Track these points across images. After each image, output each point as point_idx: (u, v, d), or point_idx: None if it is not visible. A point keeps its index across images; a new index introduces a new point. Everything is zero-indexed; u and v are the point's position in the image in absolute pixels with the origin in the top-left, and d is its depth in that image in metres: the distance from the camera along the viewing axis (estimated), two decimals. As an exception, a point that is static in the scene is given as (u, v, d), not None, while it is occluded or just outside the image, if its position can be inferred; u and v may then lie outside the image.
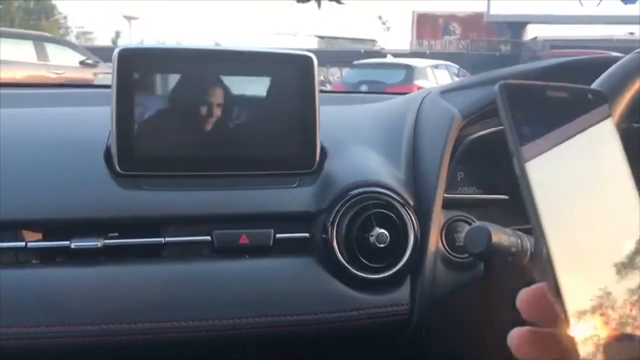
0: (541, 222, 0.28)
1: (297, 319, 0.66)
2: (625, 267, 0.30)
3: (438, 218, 0.72)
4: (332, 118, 0.88)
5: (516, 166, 0.30)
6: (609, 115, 0.33)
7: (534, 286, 0.30)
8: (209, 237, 0.67)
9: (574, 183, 0.30)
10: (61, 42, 8.32)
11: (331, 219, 0.68)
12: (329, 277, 0.68)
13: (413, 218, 0.71)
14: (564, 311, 0.27)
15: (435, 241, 0.71)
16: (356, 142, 0.82)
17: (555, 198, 0.29)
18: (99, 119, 0.73)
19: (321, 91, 0.77)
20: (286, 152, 0.75)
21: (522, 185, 0.29)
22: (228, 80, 0.73)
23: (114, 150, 0.69)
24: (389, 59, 9.80)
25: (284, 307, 0.67)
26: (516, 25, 14.04)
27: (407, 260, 0.69)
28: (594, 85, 0.56)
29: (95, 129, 0.74)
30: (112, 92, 0.68)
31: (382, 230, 0.68)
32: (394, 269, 0.69)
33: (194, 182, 0.70)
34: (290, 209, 0.70)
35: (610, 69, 0.59)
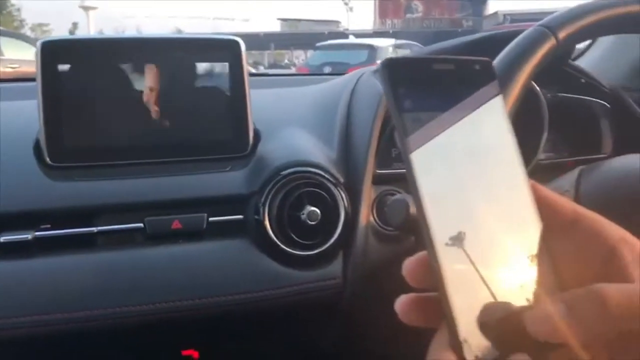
0: (423, 205, 0.29)
1: (232, 298, 0.68)
2: (507, 246, 0.30)
3: (368, 193, 0.74)
4: (268, 101, 0.89)
5: (402, 154, 0.30)
6: (498, 93, 0.33)
7: (417, 255, 0.31)
8: (141, 224, 0.68)
9: (461, 168, 0.30)
10: (15, 35, 8.09)
11: (262, 199, 0.70)
12: (263, 257, 0.70)
13: (343, 195, 0.73)
14: (444, 292, 0.28)
15: (366, 216, 0.74)
16: (291, 124, 0.83)
17: (439, 183, 0.29)
18: (29, 112, 0.73)
19: (264, 75, 0.78)
20: (218, 136, 0.76)
21: (407, 172, 0.29)
22: (155, 68, 0.73)
23: (42, 143, 0.69)
24: (352, 39, 9.79)
25: (218, 289, 0.68)
26: (477, 1, 14.12)
27: (339, 236, 0.71)
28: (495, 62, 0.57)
29: (25, 122, 0.74)
30: (37, 85, 0.68)
31: (313, 208, 0.70)
32: (326, 245, 0.71)
33: (125, 170, 0.71)
34: (223, 192, 0.72)
35: (510, 44, 0.60)
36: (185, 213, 0.70)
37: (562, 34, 0.59)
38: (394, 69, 0.31)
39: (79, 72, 0.71)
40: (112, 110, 0.72)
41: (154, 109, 0.73)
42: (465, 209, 0.30)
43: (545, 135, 0.85)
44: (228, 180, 0.73)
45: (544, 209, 0.31)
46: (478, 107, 0.32)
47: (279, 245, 0.69)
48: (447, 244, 0.29)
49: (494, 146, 0.32)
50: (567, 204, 0.32)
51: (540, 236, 0.31)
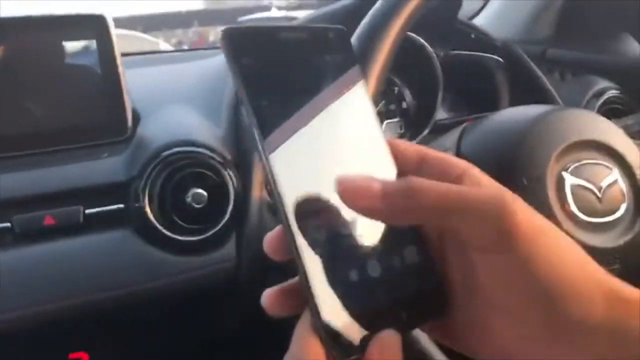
0: (285, 210, 0.27)
1: (118, 294, 0.63)
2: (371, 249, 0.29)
3: (260, 170, 0.71)
4: (149, 80, 0.84)
5: (258, 152, 0.28)
6: (360, 79, 0.32)
7: (276, 229, 0.30)
8: (8, 224, 0.62)
9: (321, 156, 0.29)
10: None
11: (142, 184, 0.65)
12: (148, 247, 0.65)
13: (232, 174, 0.69)
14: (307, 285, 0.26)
15: (258, 194, 0.70)
16: (174, 102, 0.78)
17: (299, 177, 0.28)
18: None
19: (147, 53, 0.72)
20: (93, 121, 0.70)
21: (266, 172, 0.28)
22: (14, 50, 0.67)
23: None
24: (274, 12, 9.64)
25: (102, 285, 0.63)
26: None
27: (230, 217, 0.68)
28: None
29: None
30: None
31: (199, 190, 0.66)
32: (216, 228, 0.67)
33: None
34: (100, 181, 0.66)
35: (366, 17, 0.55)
36: (59, 207, 0.64)
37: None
38: (236, 41, 0.28)
39: None
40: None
41: (17, 96, 0.67)
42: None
43: (440, 95, 0.84)
44: (105, 167, 0.68)
45: (395, 158, 0.31)
46: (339, 97, 0.30)
47: (163, 233, 0.65)
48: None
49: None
50: (411, 147, 0.31)
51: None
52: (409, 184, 0.26)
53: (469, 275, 0.28)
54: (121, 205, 0.66)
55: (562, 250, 0.26)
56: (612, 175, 0.54)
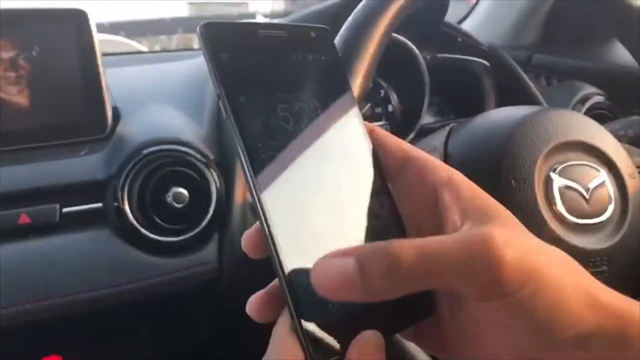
0: (263, 208, 0.26)
1: (94, 295, 0.61)
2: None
3: (243, 170, 0.69)
4: (132, 78, 0.82)
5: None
6: (344, 81, 0.31)
7: (255, 226, 0.28)
8: (-20, 222, 0.60)
9: (303, 163, 0.28)
10: None
11: (121, 183, 0.63)
12: (127, 247, 0.63)
13: (214, 173, 0.67)
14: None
15: (241, 194, 0.69)
16: (157, 101, 0.76)
17: (279, 178, 0.27)
18: None
19: (131, 53, 0.71)
20: (72, 118, 0.68)
21: (243, 170, 0.26)
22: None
23: None
24: (259, 20, 9.65)
25: (77, 286, 0.61)
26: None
27: (212, 217, 0.66)
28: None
29: None
30: None
31: (180, 190, 0.64)
32: (198, 229, 0.65)
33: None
34: (77, 179, 0.64)
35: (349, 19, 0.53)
36: (34, 205, 0.62)
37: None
38: (215, 35, 0.28)
39: None
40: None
41: (-7, 92, 0.65)
42: (304, 186, 0.27)
43: (427, 99, 0.84)
44: (83, 165, 0.66)
45: (379, 151, 0.30)
46: (322, 97, 0.30)
47: (143, 233, 0.63)
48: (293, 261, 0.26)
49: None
50: (398, 145, 0.30)
51: (378, 179, 0.30)
52: (386, 261, 0.23)
53: (459, 310, 0.27)
54: (99, 205, 0.64)
55: (557, 282, 0.25)
56: (600, 177, 0.53)
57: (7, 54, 0.66)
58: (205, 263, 0.66)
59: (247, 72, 0.28)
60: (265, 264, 0.69)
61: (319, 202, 0.27)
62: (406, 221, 0.30)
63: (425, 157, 0.30)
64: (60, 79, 0.68)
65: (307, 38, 0.31)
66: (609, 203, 0.52)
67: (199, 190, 0.66)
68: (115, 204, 0.63)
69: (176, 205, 0.64)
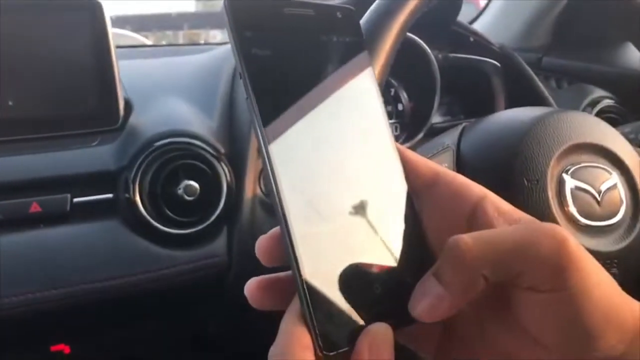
0: (281, 195, 0.26)
1: (103, 285, 0.61)
2: (376, 219, 0.28)
3: (254, 164, 0.69)
4: (144, 71, 0.82)
5: (259, 140, 0.26)
6: (367, 65, 0.30)
7: (270, 232, 0.29)
8: (-8, 210, 0.60)
9: (325, 148, 0.28)
10: None
11: (133, 174, 0.64)
12: (137, 238, 0.64)
13: (225, 167, 0.67)
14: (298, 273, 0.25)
15: (251, 188, 0.69)
16: (168, 94, 0.76)
17: (300, 167, 0.27)
18: None
19: (144, 46, 0.71)
20: (84, 109, 0.68)
21: (263, 161, 0.26)
22: (8, 34, 0.65)
23: None
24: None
25: (87, 276, 0.61)
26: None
27: (222, 210, 0.66)
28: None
29: None
30: None
31: (191, 182, 0.65)
32: (208, 221, 0.66)
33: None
34: (89, 169, 0.65)
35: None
36: (45, 194, 0.63)
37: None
38: (240, 12, 0.27)
39: None
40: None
41: (8, 81, 0.65)
42: (327, 184, 0.27)
43: (437, 98, 0.84)
44: (95, 156, 0.66)
45: (406, 169, 0.30)
46: (345, 81, 0.29)
47: (153, 225, 0.63)
48: (302, 219, 0.26)
49: (362, 120, 0.29)
50: (426, 164, 0.30)
51: (407, 201, 0.29)
52: (454, 254, 0.25)
53: (501, 309, 0.27)
54: (110, 195, 0.65)
55: (604, 284, 0.25)
56: (612, 179, 0.53)
57: (22, 43, 0.67)
58: (214, 256, 0.66)
59: (271, 51, 0.27)
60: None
61: (338, 196, 0.27)
62: (434, 237, 0.30)
63: (456, 176, 0.30)
64: (73, 70, 0.68)
65: (333, 18, 0.30)
66: (621, 205, 0.53)
67: (210, 184, 0.66)
68: (126, 195, 0.63)
69: (187, 197, 0.64)
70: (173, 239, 0.64)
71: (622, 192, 0.53)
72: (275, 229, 0.28)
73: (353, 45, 0.30)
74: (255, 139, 0.69)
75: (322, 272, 0.26)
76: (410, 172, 0.30)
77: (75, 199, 0.63)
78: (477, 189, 0.29)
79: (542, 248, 0.24)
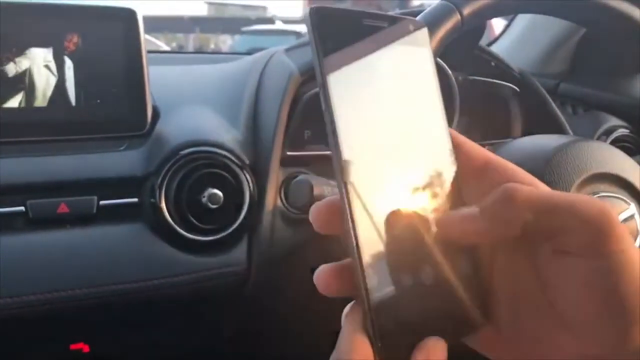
0: (339, 142, 0.27)
1: (125, 287, 0.63)
2: (422, 191, 0.29)
3: (276, 175, 0.71)
4: (171, 78, 0.84)
5: (317, 78, 0.27)
6: (434, 76, 0.31)
7: (328, 198, 0.30)
8: (22, 208, 0.62)
9: (380, 101, 0.29)
10: None
11: (159, 181, 0.65)
12: (160, 243, 0.65)
13: (248, 177, 0.69)
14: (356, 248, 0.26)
15: (273, 198, 0.70)
16: (194, 102, 0.78)
17: (357, 115, 0.28)
18: None
19: (170, 52, 0.72)
20: (113, 114, 0.70)
21: (322, 99, 0.27)
22: (37, 37, 0.66)
23: None
24: (278, 25, 9.70)
25: (110, 277, 0.63)
26: (403, -8, 14.39)
27: (243, 219, 0.68)
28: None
29: None
30: None
31: (215, 191, 0.66)
32: (230, 230, 0.67)
33: (6, 149, 0.64)
34: (116, 173, 0.66)
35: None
36: (73, 196, 0.64)
37: (467, 11, 0.58)
38: (323, 21, 0.28)
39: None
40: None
41: (39, 83, 0.67)
42: (383, 147, 0.28)
43: (456, 119, 0.85)
44: (122, 160, 0.67)
45: (457, 153, 0.31)
46: (414, 90, 0.30)
47: (177, 230, 0.65)
48: (361, 189, 0.27)
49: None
50: (478, 149, 0.31)
51: (454, 180, 0.30)
52: (506, 190, 0.26)
53: (541, 287, 0.28)
54: (135, 200, 0.66)
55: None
56: (630, 210, 0.54)
57: (56, 48, 0.68)
58: (234, 264, 0.67)
59: (350, 63, 0.28)
60: (292, 269, 0.70)
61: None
62: None
63: (507, 163, 0.31)
64: (105, 75, 0.70)
65: (406, 31, 0.31)
66: (637, 235, 0.54)
67: (233, 193, 0.67)
68: (152, 200, 0.65)
69: (211, 205, 0.65)
70: (195, 245, 0.65)
71: (639, 222, 0.54)
72: (334, 197, 0.29)
73: (422, 59, 0.31)
74: (276, 149, 0.71)
75: (385, 285, 0.27)
76: (461, 155, 0.30)
77: (102, 202, 0.65)
78: (527, 178, 0.30)
79: (588, 210, 0.25)
